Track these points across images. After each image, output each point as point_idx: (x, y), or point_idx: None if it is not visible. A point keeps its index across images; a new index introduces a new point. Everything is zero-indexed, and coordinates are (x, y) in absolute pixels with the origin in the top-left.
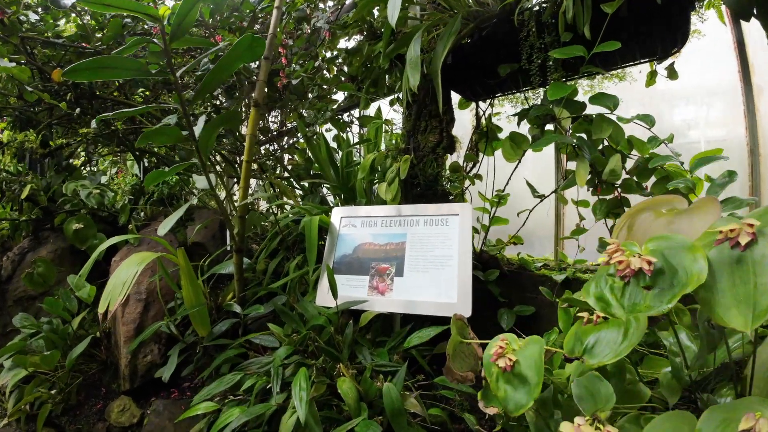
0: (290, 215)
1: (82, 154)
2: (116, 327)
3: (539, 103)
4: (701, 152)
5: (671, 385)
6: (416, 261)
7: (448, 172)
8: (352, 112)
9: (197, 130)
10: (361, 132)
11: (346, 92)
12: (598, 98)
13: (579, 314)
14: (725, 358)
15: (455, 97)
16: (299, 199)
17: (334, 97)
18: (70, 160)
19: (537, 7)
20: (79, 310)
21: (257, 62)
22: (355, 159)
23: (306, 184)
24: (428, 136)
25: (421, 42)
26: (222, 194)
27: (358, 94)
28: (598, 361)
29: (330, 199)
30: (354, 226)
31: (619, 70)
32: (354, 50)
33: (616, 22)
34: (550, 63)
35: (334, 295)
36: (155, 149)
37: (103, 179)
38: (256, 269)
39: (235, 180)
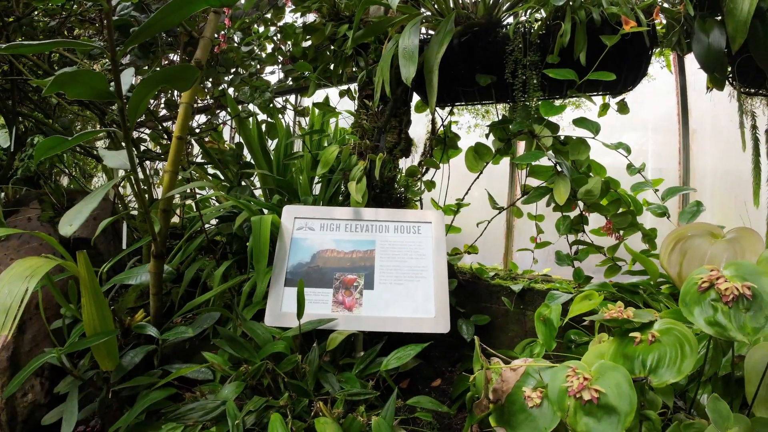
0: (221, 210)
1: None
2: None
3: (501, 117)
4: (655, 180)
5: (665, 391)
6: (388, 272)
7: (403, 175)
8: (287, 97)
9: (124, 86)
10: (298, 122)
11: (282, 75)
12: (582, 122)
13: (631, 334)
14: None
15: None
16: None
17: (265, 77)
18: None
19: (525, 26)
20: None
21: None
22: (296, 151)
23: (225, 175)
24: (386, 136)
25: (419, 33)
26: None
27: (317, 79)
28: (665, 380)
29: (257, 193)
30: (311, 229)
31: (575, 98)
32: (312, 28)
33: (598, 54)
34: (534, 81)
35: (300, 313)
36: (34, 112)
37: None
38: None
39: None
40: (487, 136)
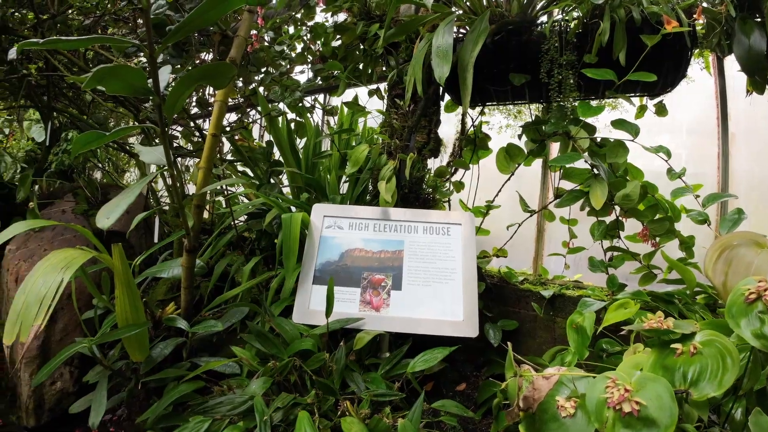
0: (251, 207)
1: None
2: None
3: (534, 118)
4: (695, 185)
5: (701, 404)
6: (416, 273)
7: (432, 175)
8: (316, 96)
9: (162, 82)
10: (327, 121)
11: (312, 74)
12: (621, 124)
13: (672, 346)
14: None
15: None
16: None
17: (295, 77)
18: None
19: (561, 24)
20: None
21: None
22: (325, 150)
23: (255, 172)
24: (416, 136)
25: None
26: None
27: (347, 78)
28: (705, 393)
29: (285, 190)
30: (340, 227)
31: (611, 99)
32: (342, 27)
33: (636, 54)
34: (571, 81)
35: (329, 311)
36: (69, 108)
37: None
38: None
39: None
40: (519, 137)
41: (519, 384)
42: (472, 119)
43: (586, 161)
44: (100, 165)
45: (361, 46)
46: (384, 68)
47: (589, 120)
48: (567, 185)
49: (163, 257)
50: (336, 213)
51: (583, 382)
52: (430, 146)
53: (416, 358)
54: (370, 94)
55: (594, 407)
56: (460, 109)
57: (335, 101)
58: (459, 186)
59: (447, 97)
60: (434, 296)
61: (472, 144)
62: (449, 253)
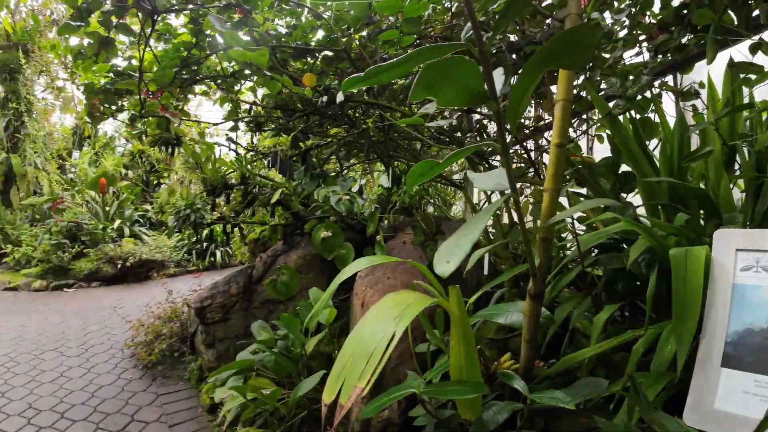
0: (599, 236)
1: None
2: None
3: None
4: None
5: None
6: None
7: None
8: (663, 80)
9: (498, 84)
10: (685, 107)
11: (651, 54)
12: None
13: None
14: None
15: None
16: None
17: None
18: (324, 168)
19: None
20: (318, 328)
21: None
22: (697, 148)
23: (596, 192)
24: None
25: None
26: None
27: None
28: None
29: (639, 211)
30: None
31: None
32: None
33: None
34: None
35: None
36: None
37: (355, 188)
38: None
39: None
40: None
41: None
42: None
43: None
44: (432, 201)
45: None
46: None
47: None
48: None
49: (496, 296)
50: (758, 244)
51: None
52: None
53: None
54: (752, 50)
55: None
56: None
57: (690, 78)
58: None
59: None
60: None
61: None
62: None
